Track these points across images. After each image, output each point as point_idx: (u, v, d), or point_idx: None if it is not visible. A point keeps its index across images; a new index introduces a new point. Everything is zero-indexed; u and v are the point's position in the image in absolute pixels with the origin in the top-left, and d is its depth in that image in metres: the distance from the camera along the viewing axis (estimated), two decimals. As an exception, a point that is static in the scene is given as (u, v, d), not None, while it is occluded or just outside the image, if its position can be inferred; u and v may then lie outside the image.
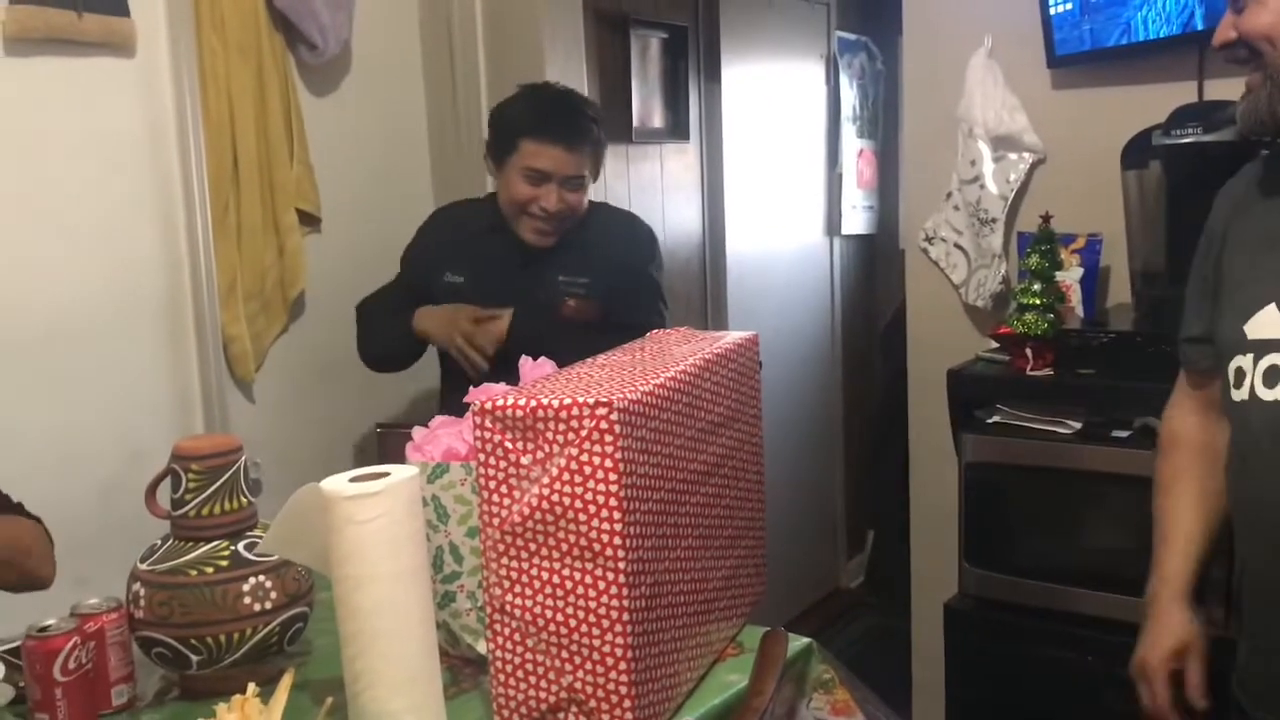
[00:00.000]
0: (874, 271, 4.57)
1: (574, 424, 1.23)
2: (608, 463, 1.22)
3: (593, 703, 1.27)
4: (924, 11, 2.51)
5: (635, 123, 3.32)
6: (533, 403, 1.24)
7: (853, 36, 4.30)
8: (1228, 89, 2.13)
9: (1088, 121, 2.31)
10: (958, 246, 2.48)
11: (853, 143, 4.34)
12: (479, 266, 2.23)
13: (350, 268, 2.80)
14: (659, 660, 1.33)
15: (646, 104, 3.41)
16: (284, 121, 2.61)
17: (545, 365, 1.62)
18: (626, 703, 1.26)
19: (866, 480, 4.41)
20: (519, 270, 2.20)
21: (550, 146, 2.09)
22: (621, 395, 1.24)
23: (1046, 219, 2.11)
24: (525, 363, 1.66)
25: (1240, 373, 1.37)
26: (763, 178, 3.89)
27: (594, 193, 3.02)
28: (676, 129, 3.55)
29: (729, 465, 1.56)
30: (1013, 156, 2.37)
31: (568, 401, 1.23)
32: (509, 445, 1.26)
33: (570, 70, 2.98)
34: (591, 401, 1.22)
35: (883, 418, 4.24)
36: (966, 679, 2.18)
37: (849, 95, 4.30)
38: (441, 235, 2.34)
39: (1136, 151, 2.11)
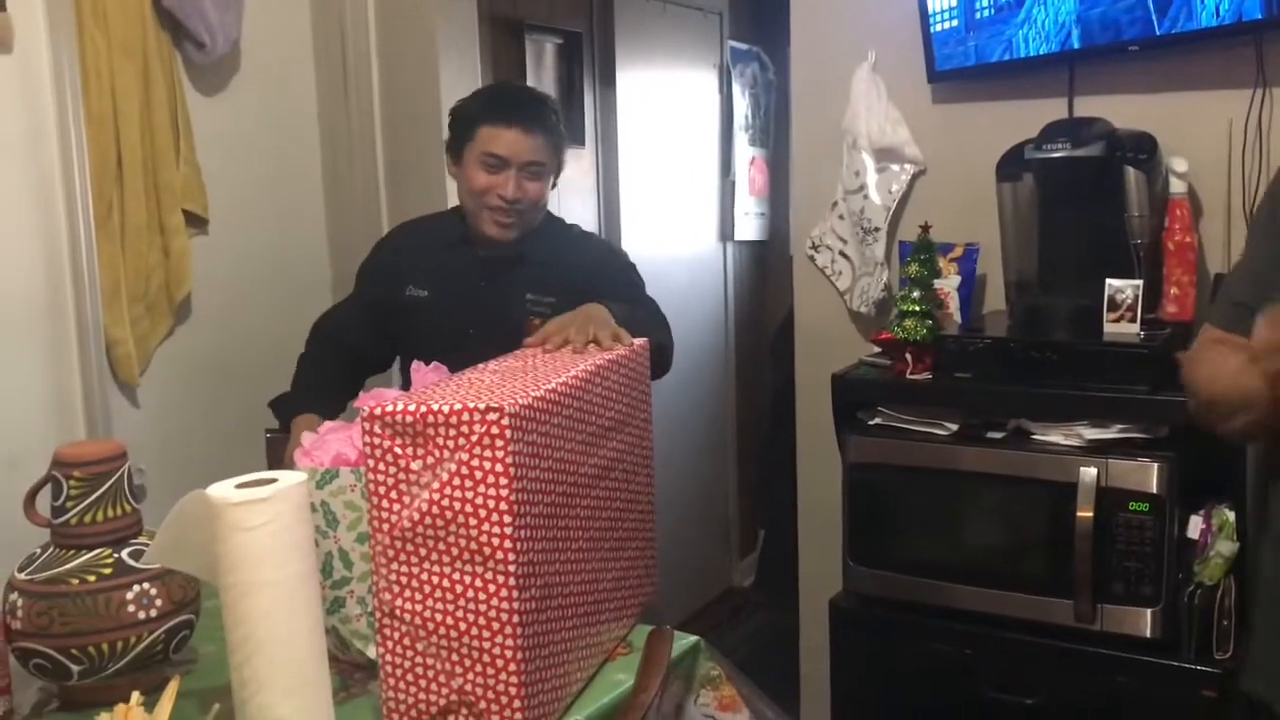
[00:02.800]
0: (766, 277, 4.65)
1: (464, 429, 1.24)
2: (498, 467, 1.24)
3: (483, 704, 1.29)
4: (811, 24, 2.57)
5: (530, 127, 3.33)
6: (423, 408, 1.25)
7: (745, 46, 4.37)
8: (1096, 106, 2.25)
9: (966, 135, 2.40)
10: (843, 255, 2.55)
11: (745, 150, 4.41)
12: (442, 281, 2.17)
13: (239, 270, 2.77)
14: (549, 661, 1.35)
15: (541, 109, 3.42)
16: (170, 121, 2.56)
17: (438, 370, 1.63)
18: (516, 703, 1.29)
19: (757, 481, 4.49)
20: (484, 285, 2.16)
21: (507, 129, 2.07)
22: (513, 400, 1.26)
23: (925, 229, 2.19)
24: (418, 368, 1.66)
25: None
26: (658, 183, 3.93)
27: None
28: (572, 134, 3.55)
29: (620, 469, 1.59)
30: (895, 168, 2.45)
31: (458, 407, 1.24)
32: (399, 450, 1.27)
33: (464, 74, 2.98)
34: (482, 406, 1.24)
35: (772, 420, 4.32)
36: (851, 674, 2.25)
37: (741, 104, 4.37)
38: (402, 250, 2.27)
39: (1010, 165, 2.20)
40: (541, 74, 3.43)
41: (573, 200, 3.60)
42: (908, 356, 2.13)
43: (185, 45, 2.60)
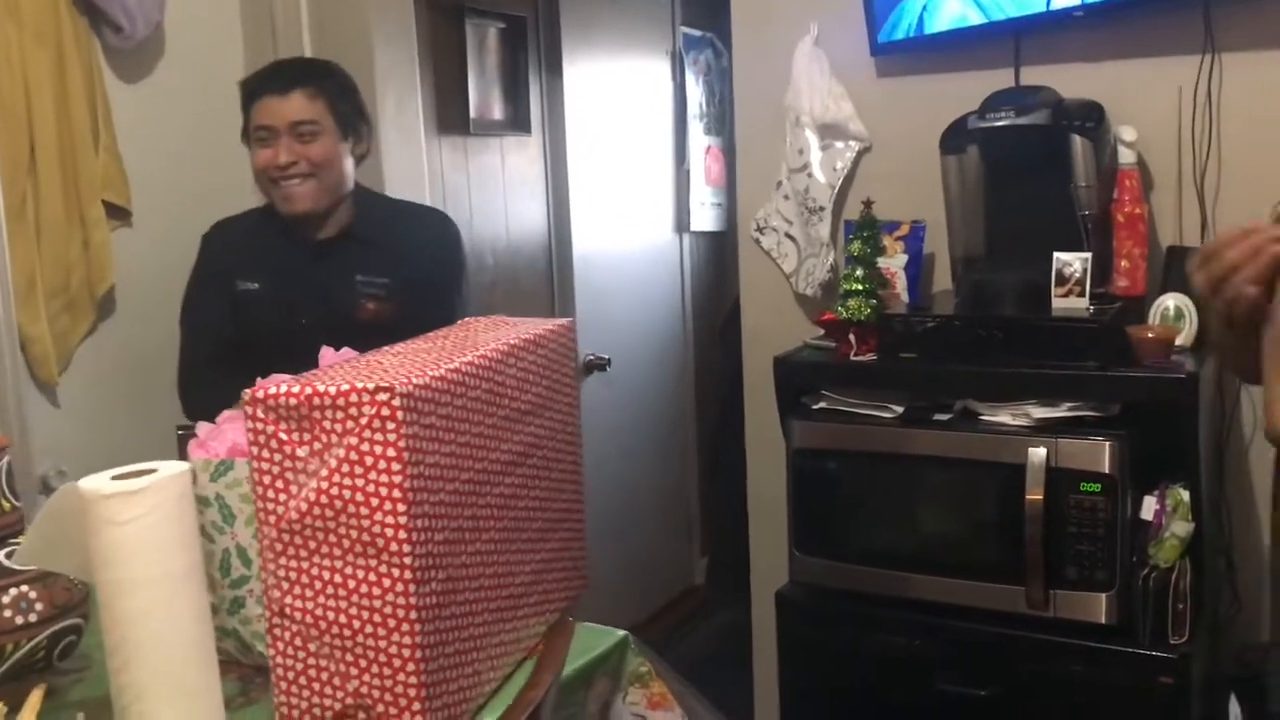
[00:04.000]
0: (724, 268, 4.57)
1: (353, 411, 1.15)
2: (390, 452, 1.15)
3: (380, 707, 1.20)
4: (752, -3, 2.50)
5: (473, 113, 3.24)
6: (308, 390, 1.16)
7: (698, 33, 4.30)
8: (1043, 75, 2.18)
9: (911, 109, 2.32)
10: (788, 236, 2.47)
11: (700, 140, 4.34)
12: (270, 271, 2.13)
13: (164, 262, 2.65)
14: (454, 661, 1.26)
15: (485, 95, 3.33)
16: (88, 109, 2.46)
17: (346, 354, 1.54)
18: (416, 705, 1.20)
19: (707, 472, 4.41)
20: (313, 269, 2.12)
21: (265, 99, 2.07)
22: (405, 380, 1.17)
23: (868, 205, 2.12)
24: (326, 352, 1.57)
25: None
26: (609, 173, 3.85)
27: (423, 184, 2.97)
28: (517, 121, 3.48)
29: (538, 455, 1.50)
30: (839, 145, 2.37)
31: (345, 387, 1.15)
32: (284, 436, 1.18)
33: (400, 57, 2.90)
34: (371, 387, 1.15)
35: (722, 409, 4.25)
36: (799, 667, 2.17)
37: (695, 92, 4.30)
38: (226, 247, 2.23)
39: (954, 137, 2.13)
40: (484, 58, 3.34)
41: (520, 190, 3.52)
42: (851, 337, 2.06)
43: (103, 30, 2.50)
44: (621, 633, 1.55)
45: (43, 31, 2.36)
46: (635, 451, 4.01)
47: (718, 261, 4.55)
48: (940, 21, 2.19)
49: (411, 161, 2.96)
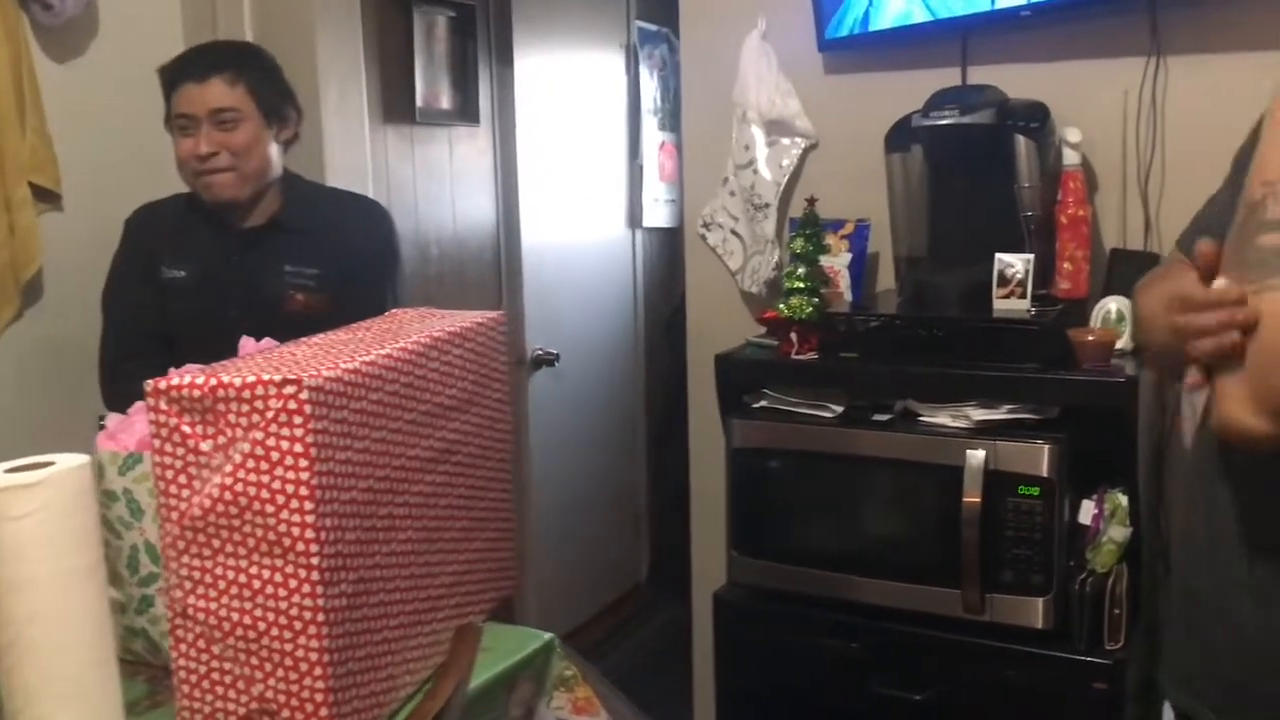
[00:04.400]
0: (677, 265, 4.52)
1: (258, 404, 1.11)
2: (298, 448, 1.11)
3: (286, 712, 1.15)
4: (702, -11, 2.46)
5: (419, 102, 3.19)
6: (212, 381, 1.11)
7: (653, 27, 4.25)
8: (990, 74, 2.16)
9: (858, 106, 2.30)
10: (734, 233, 2.44)
11: (654, 135, 4.29)
12: (197, 259, 2.08)
13: (95, 247, 2.56)
14: (366, 664, 1.22)
15: (432, 84, 3.28)
16: (14, 88, 2.37)
17: (266, 344, 1.49)
18: (324, 711, 1.15)
19: (650, 469, 4.38)
20: (240, 258, 2.06)
21: (184, 87, 2.01)
22: (315, 373, 1.12)
23: (811, 202, 2.09)
24: (246, 343, 1.52)
25: None
26: (561, 166, 3.80)
27: (367, 173, 2.91)
28: (466, 111, 3.43)
29: (464, 452, 1.46)
30: (785, 141, 2.34)
31: (251, 379, 1.10)
32: (187, 429, 1.13)
33: (344, 43, 2.84)
34: (278, 379, 1.10)
35: (666, 407, 4.22)
36: (735, 668, 2.15)
37: (649, 86, 4.25)
38: (151, 232, 2.16)
39: (899, 135, 2.11)
40: (433, 49, 3.28)
41: (468, 181, 3.47)
42: (793, 336, 2.03)
43: (31, 7, 2.42)
44: (547, 635, 1.51)
45: (-33, 8, 2.28)
46: (583, 447, 3.97)
47: (670, 258, 4.51)
48: (885, 18, 2.16)
49: (354, 150, 2.90)
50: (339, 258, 2.04)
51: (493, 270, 3.61)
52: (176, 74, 2.04)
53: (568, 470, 3.86)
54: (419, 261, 3.26)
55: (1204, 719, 1.29)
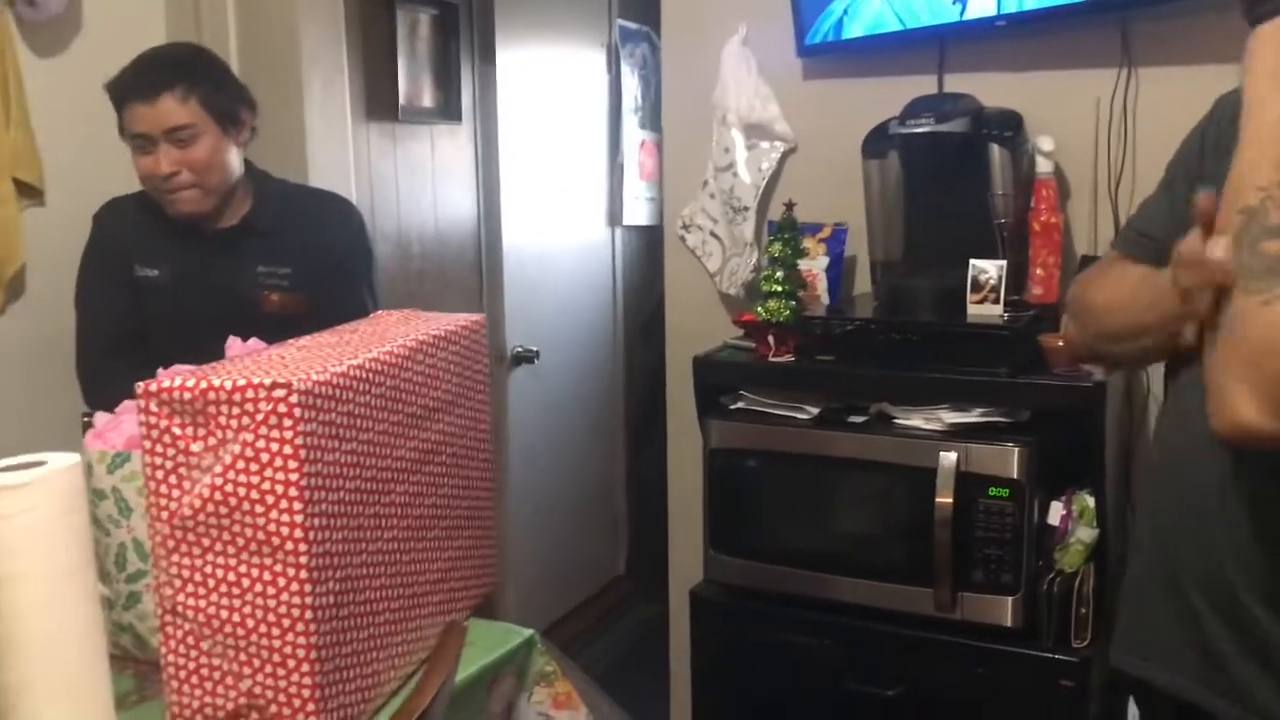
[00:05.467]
0: (657, 263, 4.53)
1: (249, 407, 1.13)
2: (287, 449, 1.14)
3: (274, 708, 1.18)
4: (683, -7, 2.49)
5: (402, 100, 3.20)
6: (203, 384, 1.14)
7: (635, 26, 4.27)
8: (966, 83, 2.20)
9: (836, 112, 2.33)
10: (713, 235, 2.48)
11: (635, 134, 4.32)
12: (169, 260, 2.08)
13: (78, 243, 2.57)
14: (352, 661, 1.24)
15: (415, 82, 3.29)
16: (-1, 84, 2.39)
17: (254, 345, 1.51)
18: (310, 706, 1.18)
19: (627, 467, 4.41)
20: (214, 259, 2.06)
21: (133, 106, 1.97)
22: (304, 376, 1.15)
23: (790, 206, 2.12)
24: (233, 343, 1.54)
25: None
26: (542, 164, 3.82)
27: (349, 171, 2.92)
28: (448, 110, 3.44)
29: (447, 452, 1.49)
30: (765, 145, 2.38)
31: (241, 383, 1.13)
32: (177, 431, 1.15)
33: (327, 41, 2.85)
34: (268, 382, 1.13)
35: (643, 406, 4.26)
36: (711, 666, 2.18)
37: (631, 85, 4.27)
38: (122, 228, 2.16)
39: (875, 142, 2.14)
40: (415, 47, 3.30)
41: (449, 179, 3.49)
42: (770, 339, 2.07)
43: (16, 3, 2.42)
44: (528, 631, 1.54)
45: (-50, 3, 2.28)
46: (562, 444, 4.00)
47: (650, 256, 4.53)
48: (858, 26, 2.20)
49: (337, 148, 2.91)
50: (311, 257, 2.04)
51: (473, 267, 3.63)
52: (122, 94, 2.00)
53: (547, 466, 3.89)
54: (400, 259, 3.28)
55: (1158, 680, 1.32)
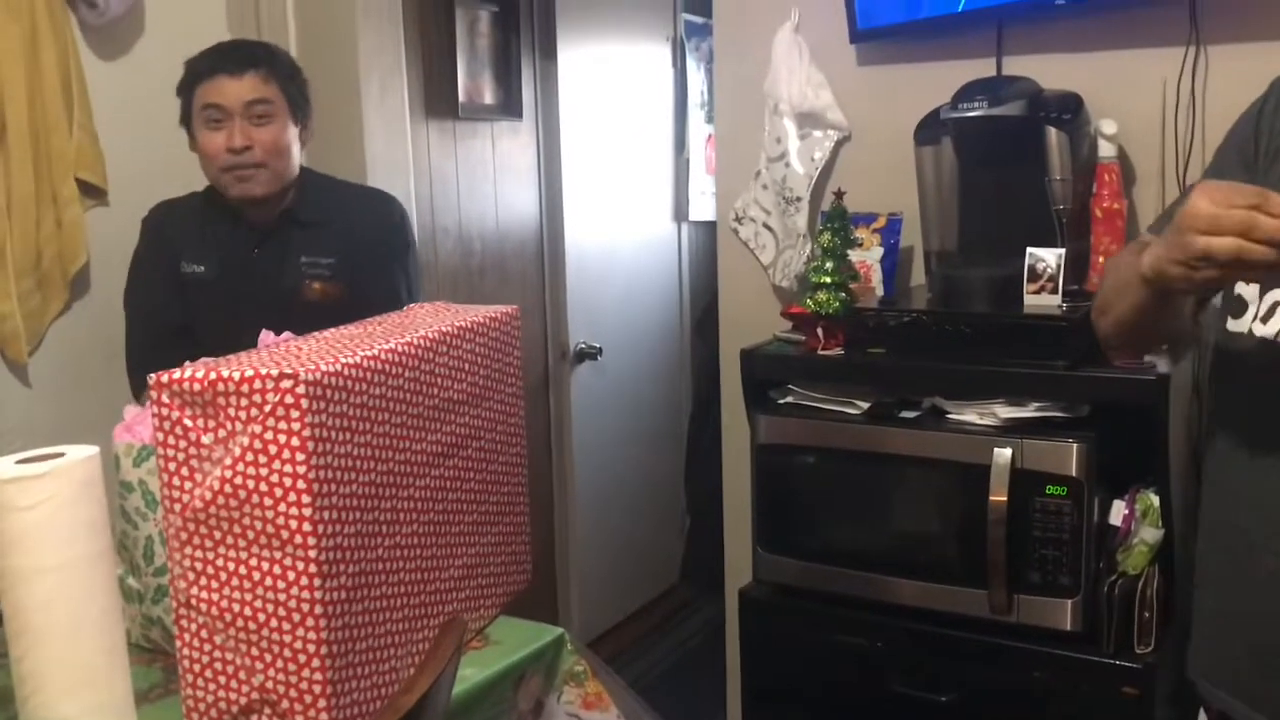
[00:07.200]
0: (722, 258, 4.52)
1: (256, 398, 1.12)
2: (294, 441, 1.12)
3: (285, 703, 1.17)
4: (735, -18, 2.44)
5: (462, 98, 3.20)
6: (212, 375, 1.13)
7: (700, 20, 4.23)
8: (1026, 65, 2.12)
9: (890, 99, 2.27)
10: (766, 226, 2.42)
11: (701, 128, 4.27)
12: (216, 254, 2.12)
13: (140, 242, 2.63)
14: (366, 656, 1.23)
15: (475, 79, 3.29)
16: (62, 86, 2.43)
17: (285, 337, 1.50)
18: (321, 702, 1.16)
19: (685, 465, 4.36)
20: (258, 252, 2.10)
21: (216, 79, 2.02)
22: (312, 367, 1.13)
23: (839, 195, 2.07)
24: (265, 335, 1.54)
25: (1240, 301, 1.21)
26: (605, 161, 3.79)
27: (408, 169, 2.93)
28: (509, 106, 3.44)
29: (474, 446, 1.47)
30: (817, 134, 2.32)
31: (249, 374, 1.12)
32: (188, 423, 1.15)
33: (386, 39, 2.86)
34: (275, 374, 1.12)
35: (698, 401, 4.21)
36: (760, 666, 2.13)
37: (696, 79, 4.23)
38: (169, 229, 2.20)
39: (928, 128, 2.07)
40: (475, 42, 3.29)
41: (510, 177, 3.48)
42: (819, 331, 2.01)
43: (79, 6, 2.47)
44: (557, 630, 1.52)
45: (15, 6, 2.33)
46: (626, 442, 3.97)
47: (716, 252, 4.49)
48: (921, 7, 2.13)
49: (396, 145, 2.92)
50: (351, 245, 2.08)
51: (535, 264, 3.62)
52: (208, 66, 2.05)
53: (610, 465, 3.86)
54: (462, 255, 3.29)
55: (1240, 714, 1.25)
